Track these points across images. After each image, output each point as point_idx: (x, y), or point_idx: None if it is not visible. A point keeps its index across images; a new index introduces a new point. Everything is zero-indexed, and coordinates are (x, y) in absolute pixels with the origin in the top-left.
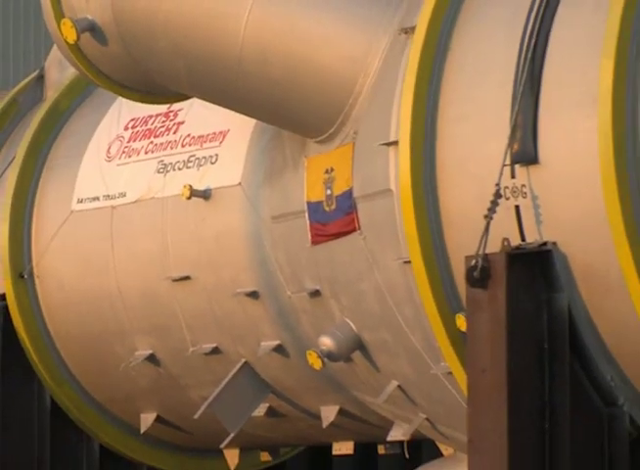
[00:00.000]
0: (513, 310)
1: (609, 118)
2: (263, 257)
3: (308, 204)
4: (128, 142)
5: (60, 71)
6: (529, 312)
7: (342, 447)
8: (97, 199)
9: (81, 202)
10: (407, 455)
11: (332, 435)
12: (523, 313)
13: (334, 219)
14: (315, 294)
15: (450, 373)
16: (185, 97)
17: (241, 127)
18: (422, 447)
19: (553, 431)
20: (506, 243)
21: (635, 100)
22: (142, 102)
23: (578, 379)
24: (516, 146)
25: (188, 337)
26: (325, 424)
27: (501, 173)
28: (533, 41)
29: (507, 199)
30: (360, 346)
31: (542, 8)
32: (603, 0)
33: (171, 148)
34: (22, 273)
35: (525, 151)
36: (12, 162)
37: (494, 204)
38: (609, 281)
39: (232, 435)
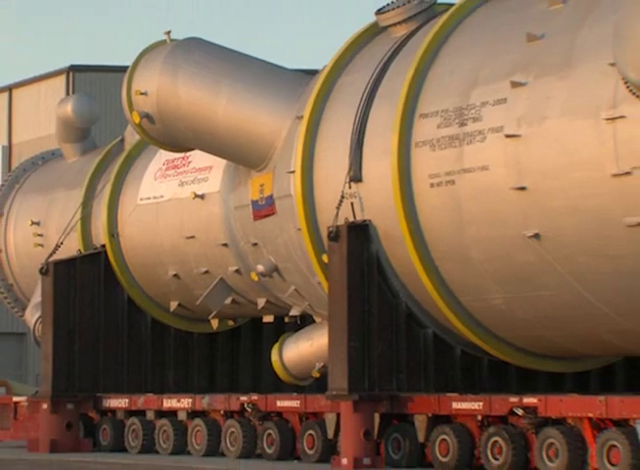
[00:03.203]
0: (349, 253)
1: (395, 161)
2: (230, 226)
3: (252, 201)
4: (165, 171)
5: (132, 136)
6: (357, 254)
7: (267, 318)
8: (149, 198)
9: (142, 200)
10: (299, 322)
11: (262, 312)
12: (354, 255)
13: (264, 208)
14: (255, 245)
15: (320, 283)
16: (192, 149)
17: (219, 164)
18: (306, 318)
19: (369, 311)
20: (346, 220)
21: (408, 152)
22: (171, 151)
23: (381, 286)
24: (351, 173)
25: (193, 265)
26: (259, 307)
27: (344, 186)
28: (359, 122)
29: (347, 199)
30: (276, 269)
31: (363, 105)
32: (393, 101)
33: (185, 174)
34: (113, 234)
35: (355, 175)
36: (107, 181)
37: (340, 201)
38: (396, 238)
39: (214, 312)
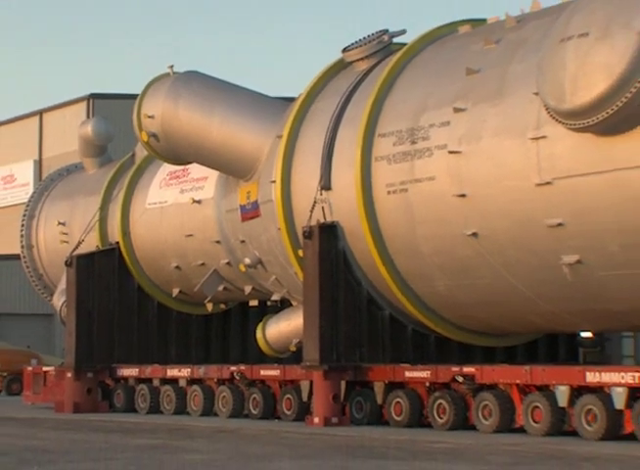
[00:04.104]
0: (320, 249)
1: (358, 172)
2: (222, 226)
3: (240, 205)
4: (168, 181)
5: (141, 152)
6: (327, 249)
7: (253, 302)
8: (155, 203)
9: (149, 204)
10: (279, 305)
11: (248, 297)
12: (324, 250)
13: (250, 211)
14: (243, 242)
15: (296, 273)
16: (191, 163)
17: (213, 175)
18: (285, 302)
19: (337, 297)
20: (318, 221)
21: (369, 165)
22: (173, 164)
23: (346, 276)
24: (322, 182)
25: (192, 259)
26: (246, 293)
27: (316, 193)
28: (329, 140)
29: (319, 204)
30: (260, 262)
31: (332, 127)
32: (357, 123)
33: (185, 183)
34: (126, 233)
35: (325, 184)
36: (121, 189)
37: (314, 206)
38: (359, 236)
39: (209, 297)
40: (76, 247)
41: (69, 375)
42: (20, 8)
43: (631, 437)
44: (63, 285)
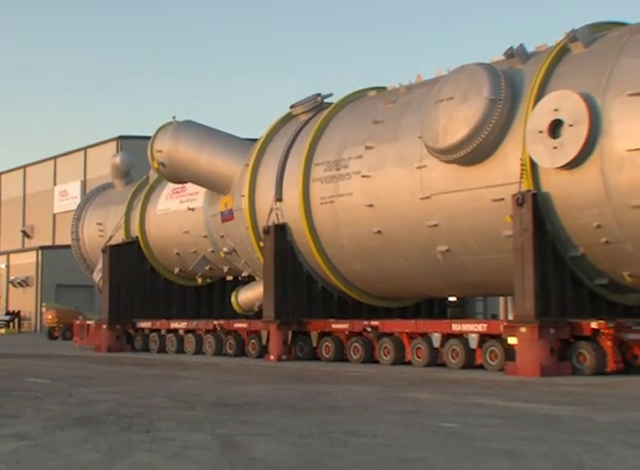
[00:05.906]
0: (275, 242)
1: (300, 190)
2: (209, 226)
3: (220, 211)
4: (172, 194)
5: (153, 175)
6: (280, 242)
7: (229, 277)
8: (162, 210)
9: (159, 211)
10: (247, 280)
11: (226, 274)
12: (278, 242)
13: (227, 216)
14: (222, 237)
15: (258, 258)
16: (187, 182)
17: (202, 190)
18: (251, 277)
19: (286, 274)
20: (274, 222)
21: (308, 185)
22: (175, 183)
23: (293, 260)
24: (276, 196)
25: (187, 248)
26: (224, 272)
27: (272, 203)
28: (281, 168)
29: (274, 210)
30: (234, 250)
31: (283, 158)
32: (300, 156)
33: (183, 196)
34: (142, 230)
35: (279, 197)
36: (139, 200)
37: (271, 212)
38: (301, 233)
39: (199, 274)
40: (109, 240)
41: (104, 326)
42: (66, 70)
43: (481, 367)
44: (99, 266)
